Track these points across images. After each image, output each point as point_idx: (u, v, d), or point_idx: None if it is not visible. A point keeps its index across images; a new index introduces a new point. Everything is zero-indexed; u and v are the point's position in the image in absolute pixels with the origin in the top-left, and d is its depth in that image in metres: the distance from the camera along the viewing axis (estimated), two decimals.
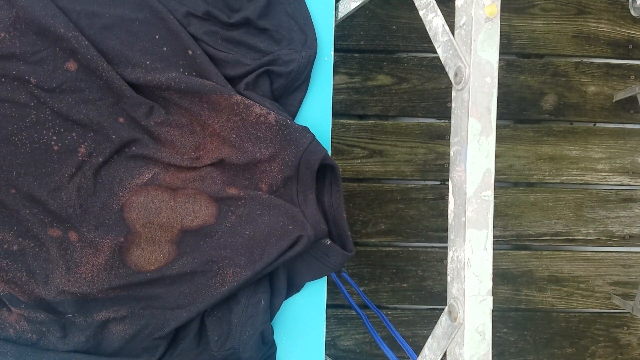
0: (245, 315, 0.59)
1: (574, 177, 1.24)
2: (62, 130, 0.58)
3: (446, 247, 0.47)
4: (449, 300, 0.44)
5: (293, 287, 0.63)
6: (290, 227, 0.59)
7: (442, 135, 1.22)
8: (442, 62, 0.46)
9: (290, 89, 0.64)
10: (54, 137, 0.58)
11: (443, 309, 0.45)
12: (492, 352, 0.43)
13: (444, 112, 1.22)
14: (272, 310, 0.61)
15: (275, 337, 0.63)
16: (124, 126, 0.59)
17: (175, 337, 0.61)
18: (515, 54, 1.24)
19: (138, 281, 0.59)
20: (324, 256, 0.61)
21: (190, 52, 0.59)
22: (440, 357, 0.46)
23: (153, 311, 0.60)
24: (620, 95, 1.20)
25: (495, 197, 0.45)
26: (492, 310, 0.43)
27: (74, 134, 0.59)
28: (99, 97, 0.59)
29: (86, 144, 0.59)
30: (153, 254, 0.60)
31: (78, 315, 0.60)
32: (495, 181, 0.43)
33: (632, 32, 1.23)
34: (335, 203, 0.62)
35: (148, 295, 0.60)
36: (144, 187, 0.60)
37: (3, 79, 0.57)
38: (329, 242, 0.61)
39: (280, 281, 0.61)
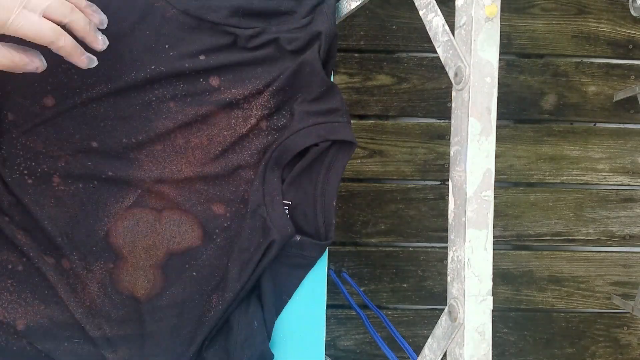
0: (240, 340, 0.58)
1: (574, 177, 1.24)
2: (33, 164, 0.58)
3: (446, 247, 0.47)
4: (449, 300, 0.44)
5: (282, 295, 0.63)
6: (260, 240, 0.59)
7: (442, 135, 1.22)
8: (442, 62, 0.46)
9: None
10: (25, 172, 0.58)
11: (443, 309, 0.45)
12: (492, 352, 0.43)
13: (444, 112, 1.22)
14: (267, 327, 0.61)
15: (275, 337, 0.63)
16: (98, 150, 0.58)
17: None
18: (515, 54, 1.24)
19: (133, 310, 0.59)
20: (300, 251, 0.61)
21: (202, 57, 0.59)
22: (440, 357, 0.46)
23: (149, 350, 0.59)
24: (620, 95, 1.20)
25: (495, 197, 0.45)
26: (492, 310, 0.43)
27: (45, 167, 0.58)
28: (72, 127, 0.58)
29: (58, 173, 0.58)
30: (139, 279, 0.59)
31: (84, 342, 0.59)
32: (495, 181, 0.43)
33: (632, 32, 1.23)
34: (329, 190, 0.61)
35: (141, 333, 0.59)
36: (129, 210, 0.59)
37: None
38: (299, 238, 0.60)
39: (266, 296, 0.61)
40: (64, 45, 0.47)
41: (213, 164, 0.60)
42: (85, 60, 0.50)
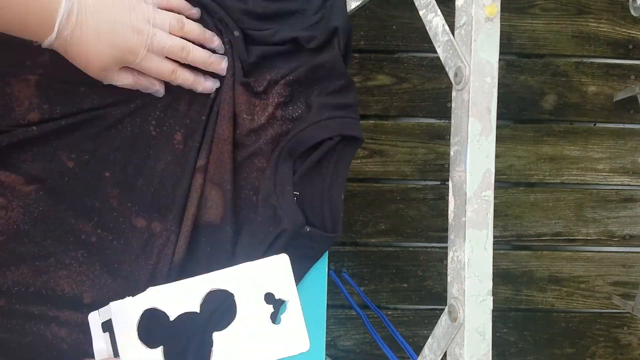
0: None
1: (574, 177, 1.24)
2: (161, 115, 0.58)
3: (446, 247, 0.47)
4: (449, 301, 0.44)
5: None
6: (271, 228, 0.59)
7: (442, 135, 1.22)
8: (442, 62, 0.46)
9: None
10: (153, 122, 0.58)
11: (443, 309, 0.45)
12: (492, 352, 0.43)
13: (444, 112, 1.22)
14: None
15: None
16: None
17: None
18: (515, 54, 1.24)
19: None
20: (309, 242, 0.61)
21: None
22: (440, 357, 0.46)
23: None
24: (620, 95, 1.20)
25: (495, 197, 0.45)
26: (492, 310, 0.43)
27: (172, 121, 0.59)
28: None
29: (182, 131, 0.59)
30: (177, 249, 0.60)
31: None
32: (495, 181, 0.43)
33: (632, 32, 1.23)
34: (337, 184, 0.61)
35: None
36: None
37: None
38: (308, 229, 0.60)
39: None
40: (182, 82, 0.53)
41: (227, 156, 0.60)
42: (208, 87, 0.55)
